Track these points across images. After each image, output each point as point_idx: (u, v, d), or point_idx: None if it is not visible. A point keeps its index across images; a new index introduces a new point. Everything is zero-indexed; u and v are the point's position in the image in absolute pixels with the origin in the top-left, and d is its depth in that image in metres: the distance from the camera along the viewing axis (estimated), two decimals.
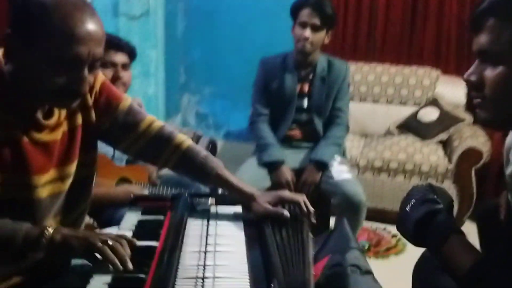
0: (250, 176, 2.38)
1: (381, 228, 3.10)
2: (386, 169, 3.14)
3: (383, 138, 3.41)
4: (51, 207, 1.16)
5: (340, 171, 2.44)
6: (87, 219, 1.81)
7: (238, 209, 1.29)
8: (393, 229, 3.09)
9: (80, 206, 1.27)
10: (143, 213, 1.26)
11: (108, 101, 1.25)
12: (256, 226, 1.19)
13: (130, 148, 1.31)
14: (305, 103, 2.57)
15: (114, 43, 2.03)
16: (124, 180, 2.08)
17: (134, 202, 1.33)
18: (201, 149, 1.33)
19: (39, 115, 1.10)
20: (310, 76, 2.56)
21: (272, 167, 2.47)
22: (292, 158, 2.53)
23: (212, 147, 2.86)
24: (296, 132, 2.62)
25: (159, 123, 1.33)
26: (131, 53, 2.11)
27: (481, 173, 3.06)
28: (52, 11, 0.99)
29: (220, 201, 1.33)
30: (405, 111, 3.49)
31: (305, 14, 2.40)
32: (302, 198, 1.26)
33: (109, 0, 3.34)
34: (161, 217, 1.22)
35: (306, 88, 2.57)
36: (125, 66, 2.07)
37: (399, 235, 2.95)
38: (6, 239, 0.99)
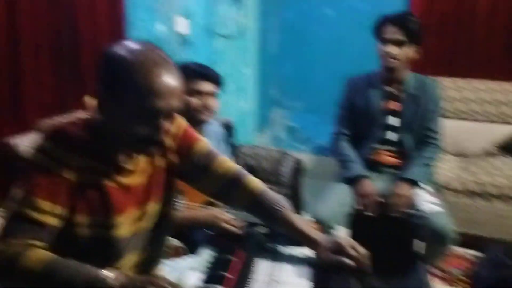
0: (336, 201, 2.39)
1: (475, 256, 2.93)
2: (483, 193, 2.96)
3: (480, 159, 3.22)
4: (132, 244, 1.26)
5: (428, 202, 2.35)
6: (176, 242, 1.94)
7: (306, 251, 1.32)
8: None
9: (162, 242, 1.37)
10: (215, 251, 1.33)
11: (187, 144, 1.34)
12: (322, 273, 1.21)
13: (205, 189, 1.39)
14: (394, 121, 2.51)
15: (202, 73, 2.15)
16: (210, 203, 2.18)
17: (209, 238, 1.40)
18: (272, 193, 1.38)
19: (124, 160, 1.21)
20: (400, 94, 2.50)
21: (354, 182, 2.46)
22: (378, 183, 2.49)
23: (297, 165, 2.90)
24: (384, 157, 2.56)
25: (234, 166, 1.40)
26: (218, 82, 2.21)
27: None
28: (135, 68, 1.08)
29: (290, 241, 1.36)
30: (507, 131, 3.27)
31: (387, 31, 2.36)
32: (363, 252, 1.26)
33: (205, 21, 3.50)
34: (229, 257, 1.28)
35: (395, 106, 2.51)
36: (212, 94, 2.17)
37: None
38: (67, 281, 1.03)
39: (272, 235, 1.41)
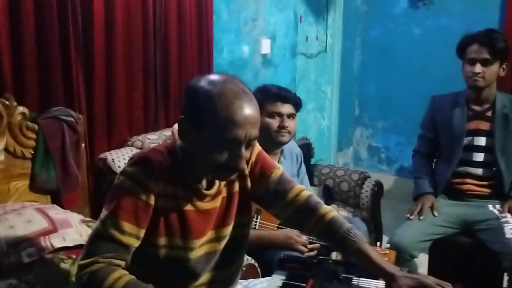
0: (417, 226, 2.33)
1: None
2: None
3: None
4: (206, 264, 1.31)
5: None
6: (249, 260, 1.98)
7: (381, 284, 1.30)
8: None
9: (235, 263, 1.41)
10: (287, 277, 1.35)
11: (263, 170, 1.38)
12: None
13: (279, 214, 1.42)
14: (483, 141, 2.40)
15: (281, 96, 2.19)
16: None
17: (283, 263, 1.42)
18: (344, 222, 1.37)
19: (202, 186, 1.27)
20: (489, 113, 2.40)
21: (418, 198, 2.46)
22: (461, 210, 2.39)
23: (377, 188, 2.85)
24: (468, 186, 2.44)
25: (307, 192, 1.42)
26: (297, 104, 2.25)
27: None
28: (217, 100, 1.14)
29: (364, 272, 1.35)
30: None
31: (473, 50, 2.30)
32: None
33: (288, 42, 3.56)
34: (302, 285, 1.29)
35: (483, 125, 2.41)
36: (290, 116, 2.21)
37: None
38: None
39: (347, 264, 1.40)
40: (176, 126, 1.25)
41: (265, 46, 3.33)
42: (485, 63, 2.29)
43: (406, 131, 3.97)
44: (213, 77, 1.19)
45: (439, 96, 2.57)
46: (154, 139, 2.45)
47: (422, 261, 2.49)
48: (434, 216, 2.36)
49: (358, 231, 1.36)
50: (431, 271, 2.50)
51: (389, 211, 3.04)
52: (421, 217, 2.36)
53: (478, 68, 2.29)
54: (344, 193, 2.91)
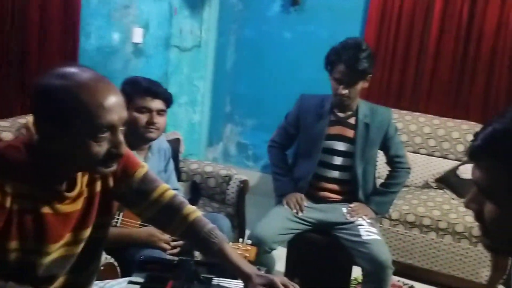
0: (277, 221, 2.44)
1: (409, 285, 3.03)
2: (418, 224, 3.08)
3: (419, 191, 3.35)
4: (61, 268, 1.24)
5: (369, 231, 2.41)
6: (109, 259, 1.90)
7: (240, 284, 1.33)
8: (420, 287, 3.03)
9: (92, 265, 1.35)
10: (146, 279, 1.32)
11: (126, 168, 1.33)
12: None
13: (142, 214, 1.39)
14: (343, 146, 2.54)
15: (152, 90, 2.13)
16: None
17: (142, 264, 1.39)
18: (207, 222, 1.38)
19: (63, 187, 1.19)
20: (352, 121, 2.55)
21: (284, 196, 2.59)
22: (318, 213, 2.53)
23: (243, 185, 2.92)
24: (324, 193, 2.58)
25: (171, 192, 1.40)
26: (168, 100, 2.20)
27: None
28: (78, 91, 1.07)
29: (225, 273, 1.37)
30: (446, 165, 3.42)
31: (339, 70, 2.38)
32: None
33: (162, 33, 3.48)
34: (161, 286, 1.27)
35: (346, 132, 2.55)
36: (161, 112, 2.16)
37: None
38: None
39: (208, 265, 1.41)
40: (31, 119, 1.15)
41: (137, 35, 3.22)
42: (349, 84, 2.39)
43: (273, 130, 4.10)
44: (61, 71, 1.11)
45: (307, 96, 2.65)
46: (6, 126, 2.24)
47: (281, 255, 2.61)
48: (298, 215, 2.48)
49: (220, 232, 1.37)
50: (288, 265, 2.64)
51: (254, 206, 3.13)
52: (294, 211, 2.48)
53: (343, 89, 2.40)
54: (211, 189, 2.94)
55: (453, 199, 3.23)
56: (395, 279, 2.98)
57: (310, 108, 2.60)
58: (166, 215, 1.37)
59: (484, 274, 2.95)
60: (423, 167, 3.47)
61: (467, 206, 0.92)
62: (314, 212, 2.52)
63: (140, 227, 2.06)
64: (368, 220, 2.47)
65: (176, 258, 1.50)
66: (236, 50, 4.29)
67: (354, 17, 3.85)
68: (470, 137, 3.38)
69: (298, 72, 4.02)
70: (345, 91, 2.41)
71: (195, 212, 1.39)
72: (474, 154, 0.87)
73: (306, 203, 2.54)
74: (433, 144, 3.48)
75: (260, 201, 3.29)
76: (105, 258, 1.85)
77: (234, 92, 4.35)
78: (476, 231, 2.95)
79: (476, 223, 0.92)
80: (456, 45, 3.53)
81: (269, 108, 4.17)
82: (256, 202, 3.29)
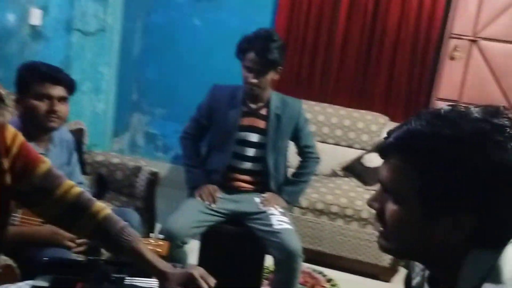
0: (189, 214, 2.38)
1: (318, 271, 3.12)
2: (327, 212, 3.17)
3: (327, 179, 3.45)
4: None
5: (280, 221, 2.42)
6: (6, 260, 1.74)
7: (155, 283, 1.26)
8: (329, 272, 3.13)
9: None
10: (51, 283, 1.21)
11: (26, 164, 1.21)
12: None
13: (45, 213, 1.27)
14: (255, 137, 2.54)
15: (52, 76, 1.97)
16: None
17: (46, 266, 1.27)
18: (119, 220, 1.29)
19: None
20: (264, 112, 2.55)
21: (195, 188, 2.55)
22: (232, 203, 2.51)
23: (153, 178, 2.81)
24: (238, 183, 2.56)
25: (77, 189, 1.29)
26: (70, 87, 2.05)
27: None
28: None
29: (137, 272, 1.29)
30: (352, 154, 3.55)
31: (250, 58, 2.38)
32: (212, 282, 1.24)
33: (62, 15, 3.24)
34: None
35: (257, 123, 2.55)
36: (62, 100, 2.01)
37: (335, 279, 3.05)
38: None
39: (119, 264, 1.32)
40: None
41: (35, 17, 2.97)
42: (260, 73, 2.39)
43: (184, 120, 4.00)
44: None
45: (220, 86, 2.62)
46: None
47: (194, 248, 2.56)
48: (211, 207, 2.44)
49: (133, 230, 1.29)
50: (201, 258, 2.59)
51: (165, 198, 3.04)
52: (207, 202, 2.45)
53: (253, 78, 2.39)
54: (119, 182, 2.80)
55: (358, 187, 3.36)
56: (305, 266, 3.05)
57: (222, 98, 2.56)
58: (72, 214, 1.26)
59: (388, 257, 3.10)
60: (331, 156, 3.56)
61: (369, 204, 0.92)
62: (227, 203, 2.50)
63: (41, 225, 1.90)
64: (280, 210, 2.49)
65: (83, 258, 1.39)
66: (144, 36, 4.13)
67: (265, 6, 3.85)
68: (374, 127, 3.54)
69: (209, 61, 3.95)
70: (255, 80, 2.40)
71: (104, 209, 1.29)
72: (384, 151, 0.87)
73: (219, 194, 2.50)
74: (340, 134, 3.60)
75: (171, 194, 3.20)
76: (2, 259, 1.69)
77: (142, 80, 4.19)
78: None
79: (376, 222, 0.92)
80: (362, 37, 3.66)
81: (179, 97, 4.07)
82: (167, 195, 3.19)
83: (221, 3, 3.91)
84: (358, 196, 3.23)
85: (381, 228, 0.90)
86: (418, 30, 3.54)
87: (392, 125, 3.48)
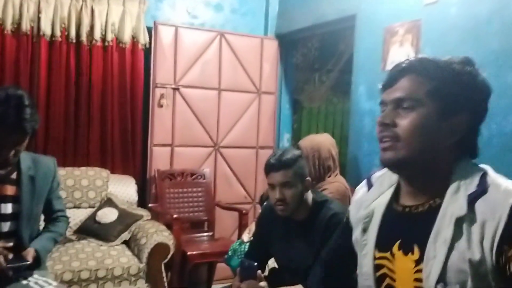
0: None
1: None
2: (77, 280, 2.86)
3: (64, 246, 3.11)
4: None
5: (46, 282, 2.13)
6: None
7: None
8: None
9: None
10: None
11: None
12: None
13: None
14: (8, 208, 2.11)
15: None
16: None
17: None
18: None
19: None
20: (15, 176, 2.15)
21: None
22: None
23: None
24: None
25: None
26: None
27: (167, 266, 3.19)
28: None
29: None
30: (81, 215, 3.33)
31: None
32: None
33: None
34: None
35: (11, 190, 2.12)
36: None
37: None
38: None
39: None
40: None
41: None
42: None
43: None
44: None
45: None
46: None
47: None
48: None
49: None
50: None
51: None
52: None
53: None
54: None
55: (101, 245, 3.16)
56: None
57: None
58: None
59: None
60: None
61: (382, 122, 1.11)
62: None
63: None
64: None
65: None
66: None
67: None
68: (99, 182, 3.43)
69: None
70: None
71: None
72: (400, 73, 1.12)
73: None
74: (64, 195, 3.32)
75: None
76: None
77: None
78: (134, 269, 3.00)
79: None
80: (67, 94, 3.52)
81: None
82: None
83: None
84: (105, 255, 3.05)
85: (390, 143, 1.08)
86: (124, 82, 3.66)
87: (115, 177, 3.51)
